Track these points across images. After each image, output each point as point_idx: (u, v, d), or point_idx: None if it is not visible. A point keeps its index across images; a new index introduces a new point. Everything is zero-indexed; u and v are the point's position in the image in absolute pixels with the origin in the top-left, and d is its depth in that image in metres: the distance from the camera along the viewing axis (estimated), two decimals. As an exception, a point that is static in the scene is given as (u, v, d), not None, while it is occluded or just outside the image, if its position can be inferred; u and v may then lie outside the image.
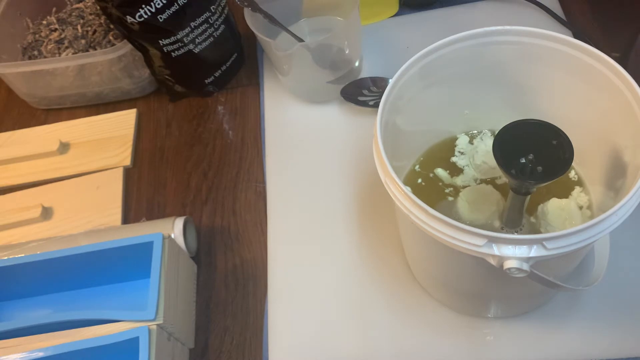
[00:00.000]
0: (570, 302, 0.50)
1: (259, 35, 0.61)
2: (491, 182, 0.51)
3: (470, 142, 0.53)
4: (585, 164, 0.49)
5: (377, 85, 0.66)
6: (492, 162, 0.50)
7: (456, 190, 0.51)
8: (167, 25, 0.63)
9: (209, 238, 0.61)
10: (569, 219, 0.46)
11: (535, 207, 0.48)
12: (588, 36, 0.67)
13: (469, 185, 0.51)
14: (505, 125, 0.39)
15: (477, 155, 0.52)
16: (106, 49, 0.70)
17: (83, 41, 0.74)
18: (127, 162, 0.69)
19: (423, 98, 0.48)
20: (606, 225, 0.35)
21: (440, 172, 0.52)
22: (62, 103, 0.76)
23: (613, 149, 0.44)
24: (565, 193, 0.49)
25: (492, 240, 0.35)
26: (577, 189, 0.49)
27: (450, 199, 0.51)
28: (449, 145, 0.54)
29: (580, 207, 0.48)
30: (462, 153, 0.53)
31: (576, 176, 0.50)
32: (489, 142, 0.52)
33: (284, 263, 0.57)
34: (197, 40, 0.66)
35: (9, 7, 0.77)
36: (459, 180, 0.52)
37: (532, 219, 0.48)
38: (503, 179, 0.51)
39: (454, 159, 0.53)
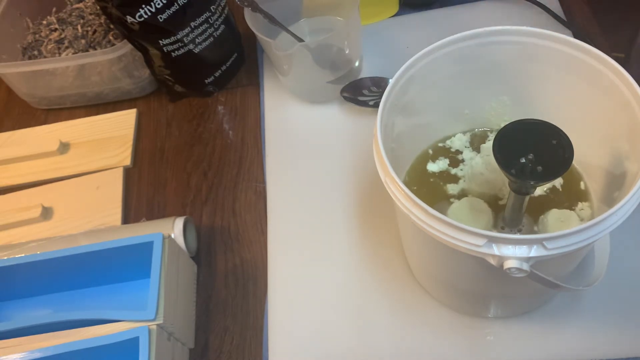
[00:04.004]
0: (570, 302, 0.50)
1: (259, 35, 0.61)
2: (486, 195, 0.50)
3: (471, 142, 0.53)
4: (585, 164, 0.49)
5: (377, 85, 0.66)
6: (490, 174, 0.50)
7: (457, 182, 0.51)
8: (167, 25, 0.63)
9: (209, 238, 0.61)
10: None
11: (537, 217, 0.48)
12: (588, 36, 0.67)
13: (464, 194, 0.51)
14: (505, 125, 0.39)
15: (476, 165, 0.51)
16: (106, 49, 0.70)
17: (83, 41, 0.74)
18: (127, 162, 0.69)
19: (423, 98, 0.48)
20: (606, 225, 0.35)
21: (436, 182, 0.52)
22: (62, 103, 0.76)
23: (613, 148, 0.44)
24: (573, 203, 0.49)
25: (492, 240, 0.35)
26: (583, 203, 0.48)
27: (453, 197, 0.51)
28: (447, 147, 0.54)
29: (582, 219, 0.47)
30: (462, 161, 0.52)
31: (584, 186, 0.49)
32: (489, 151, 0.52)
33: (284, 263, 0.57)
34: (197, 40, 0.66)
35: (9, 7, 0.77)
36: (451, 189, 0.51)
37: (535, 229, 0.48)
38: (496, 192, 0.50)
39: (454, 171, 0.52)
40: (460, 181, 0.51)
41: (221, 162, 0.67)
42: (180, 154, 0.69)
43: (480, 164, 0.51)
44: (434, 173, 0.52)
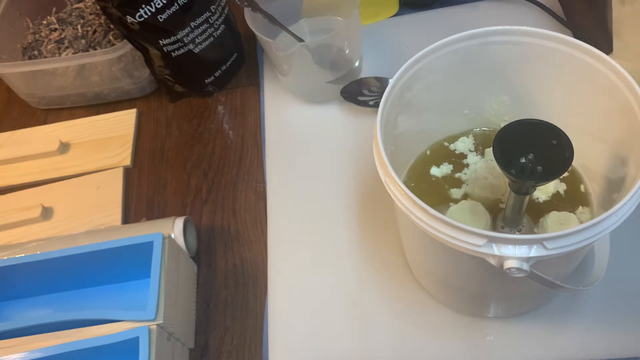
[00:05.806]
0: (570, 302, 0.50)
1: (259, 35, 0.61)
2: (489, 199, 0.50)
3: (475, 145, 0.53)
4: (585, 165, 0.49)
5: (377, 85, 0.66)
6: (494, 179, 0.50)
7: (458, 184, 0.51)
8: (167, 25, 0.63)
9: (209, 238, 0.61)
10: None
11: (537, 220, 0.48)
12: (588, 36, 0.67)
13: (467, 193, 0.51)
14: (505, 125, 0.39)
15: (479, 169, 0.51)
16: (106, 49, 0.70)
17: (83, 41, 0.75)
18: (127, 162, 0.69)
19: (423, 98, 0.48)
20: (606, 225, 0.35)
21: (437, 173, 0.52)
22: (62, 103, 0.76)
23: (613, 149, 0.44)
24: (574, 208, 0.48)
25: (492, 240, 0.35)
26: (583, 208, 0.48)
27: (453, 198, 0.51)
28: (448, 147, 0.54)
29: (581, 223, 0.47)
30: (466, 166, 0.52)
31: (584, 188, 0.49)
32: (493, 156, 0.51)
33: (284, 263, 0.57)
34: (197, 40, 0.66)
35: (9, 7, 0.77)
36: (453, 193, 0.51)
37: (535, 231, 0.48)
38: (499, 197, 0.50)
39: (457, 174, 0.52)
40: (463, 185, 0.51)
41: (221, 162, 0.67)
42: (180, 154, 0.69)
43: (484, 168, 0.51)
44: (436, 177, 0.52)
